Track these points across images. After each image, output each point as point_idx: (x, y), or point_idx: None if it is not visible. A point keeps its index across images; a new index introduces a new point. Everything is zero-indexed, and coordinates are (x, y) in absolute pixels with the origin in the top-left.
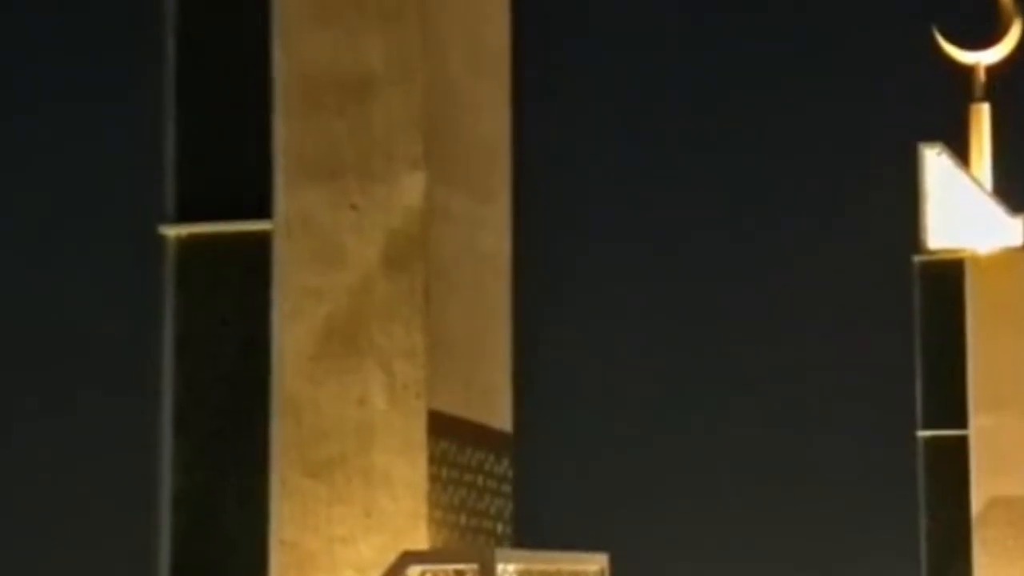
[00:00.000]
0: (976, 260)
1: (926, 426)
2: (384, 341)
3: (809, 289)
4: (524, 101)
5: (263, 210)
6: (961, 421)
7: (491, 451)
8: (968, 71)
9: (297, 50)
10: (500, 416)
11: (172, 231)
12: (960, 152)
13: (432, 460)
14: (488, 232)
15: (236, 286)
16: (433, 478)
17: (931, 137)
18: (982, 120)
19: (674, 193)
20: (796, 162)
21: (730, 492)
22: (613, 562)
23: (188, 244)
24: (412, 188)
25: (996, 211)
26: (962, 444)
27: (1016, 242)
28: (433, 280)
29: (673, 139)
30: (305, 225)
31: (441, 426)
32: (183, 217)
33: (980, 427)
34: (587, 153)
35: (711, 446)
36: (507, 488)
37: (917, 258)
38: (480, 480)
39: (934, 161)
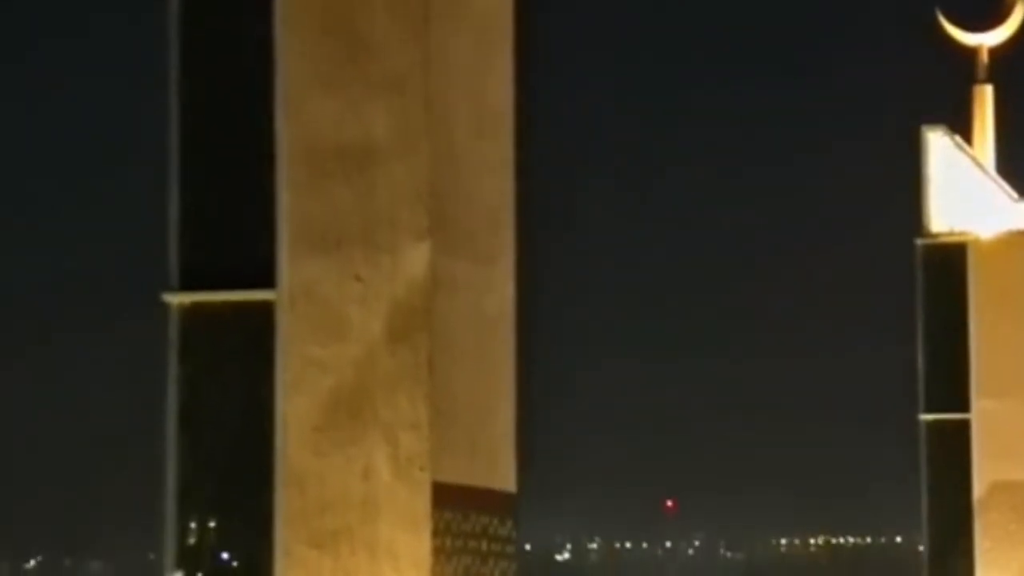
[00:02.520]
0: (979, 243)
1: (928, 410)
2: (388, 413)
3: (811, 273)
4: (527, 158)
5: (266, 280)
6: (963, 405)
7: (495, 515)
8: (971, 53)
9: (301, 120)
10: (504, 477)
11: (176, 299)
12: (963, 134)
13: (436, 532)
14: (492, 295)
15: (239, 355)
16: (437, 550)
17: (934, 119)
18: (985, 102)
19: (680, 217)
20: (798, 145)
21: (738, 504)
22: None
23: (191, 312)
24: (417, 259)
25: (999, 194)
26: (964, 428)
27: (1019, 225)
28: (437, 349)
29: (676, 162)
30: (309, 295)
31: (445, 497)
32: (187, 285)
33: (982, 411)
34: (590, 206)
35: (715, 460)
36: (511, 549)
37: (919, 241)
38: (484, 545)
39: (937, 143)
